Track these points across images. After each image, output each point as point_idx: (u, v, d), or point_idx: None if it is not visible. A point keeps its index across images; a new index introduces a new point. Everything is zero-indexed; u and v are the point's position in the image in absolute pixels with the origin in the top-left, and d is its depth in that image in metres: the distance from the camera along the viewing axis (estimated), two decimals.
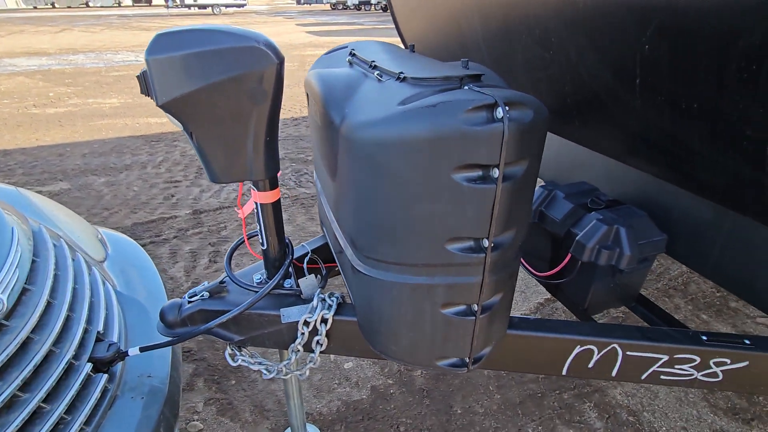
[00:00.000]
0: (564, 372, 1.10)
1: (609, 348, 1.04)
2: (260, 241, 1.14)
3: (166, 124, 5.68)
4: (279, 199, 1.10)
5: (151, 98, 0.83)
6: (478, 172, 0.71)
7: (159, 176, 4.11)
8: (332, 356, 2.04)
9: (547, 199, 1.36)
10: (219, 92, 0.83)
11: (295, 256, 1.36)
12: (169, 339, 1.10)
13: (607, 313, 2.24)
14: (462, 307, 0.87)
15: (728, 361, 1.03)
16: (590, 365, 1.08)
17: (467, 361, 0.95)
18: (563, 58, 1.26)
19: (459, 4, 1.64)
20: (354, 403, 1.80)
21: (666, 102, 1.01)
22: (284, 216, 3.31)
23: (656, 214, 1.29)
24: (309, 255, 1.36)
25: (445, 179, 0.71)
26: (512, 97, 0.69)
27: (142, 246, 2.98)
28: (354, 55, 1.14)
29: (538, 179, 2.25)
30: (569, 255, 1.24)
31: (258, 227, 1.12)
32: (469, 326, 0.88)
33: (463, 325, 0.88)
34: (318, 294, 1.11)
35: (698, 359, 1.04)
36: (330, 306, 1.10)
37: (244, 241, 1.24)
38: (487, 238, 0.78)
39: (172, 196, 3.72)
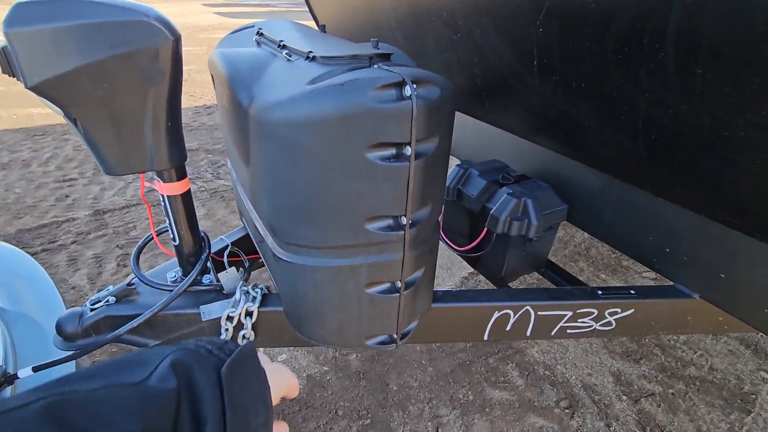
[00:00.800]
0: (486, 337, 1.18)
1: (523, 310, 1.14)
2: (171, 236, 1.06)
3: (52, 115, 4.99)
4: (189, 190, 1.02)
5: (18, 79, 0.72)
6: (392, 151, 0.72)
7: (48, 175, 3.62)
8: (265, 350, 1.98)
9: (463, 177, 1.43)
10: (104, 72, 0.75)
11: (213, 250, 1.28)
12: (69, 353, 0.99)
13: (522, 280, 2.44)
14: (386, 285, 0.89)
15: (619, 310, 1.18)
16: (508, 328, 1.17)
17: (395, 337, 0.98)
18: (470, 40, 1.31)
19: None
20: None
21: (559, 82, 1.11)
22: (203, 211, 3.11)
23: (558, 186, 1.42)
24: (229, 248, 1.29)
25: (359, 158, 0.71)
26: (419, 75, 0.71)
27: (32, 255, 2.62)
28: (262, 34, 1.09)
29: (455, 158, 2.34)
30: (485, 229, 1.32)
31: (167, 222, 1.04)
32: (394, 303, 0.90)
33: (389, 302, 0.90)
34: (240, 287, 1.07)
35: (596, 311, 1.17)
36: (254, 298, 1.06)
37: (152, 237, 1.14)
38: (405, 216, 0.79)
39: (67, 196, 3.31)
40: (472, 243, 1.38)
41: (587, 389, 1.84)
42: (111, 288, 1.07)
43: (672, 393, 1.84)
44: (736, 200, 0.93)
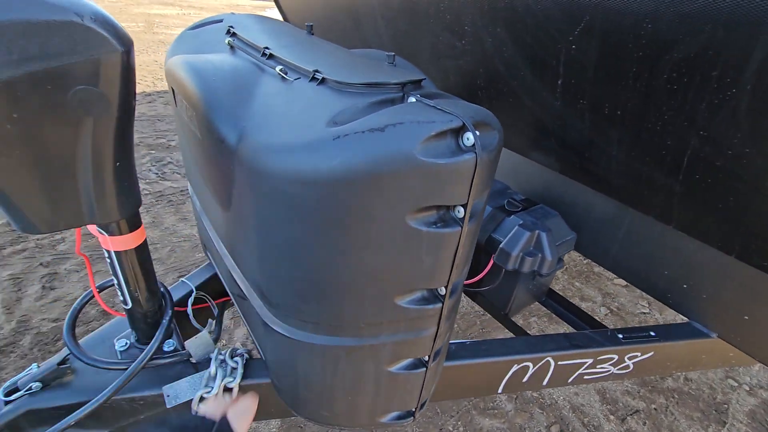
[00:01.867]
0: (500, 390, 1.05)
1: (543, 362, 1.02)
2: (121, 299, 0.81)
3: None
4: (145, 241, 0.78)
5: None
6: (438, 213, 0.55)
7: None
8: None
9: None
10: (14, 96, 0.50)
11: (175, 298, 1.04)
12: None
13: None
14: (411, 360, 0.72)
15: (639, 354, 1.09)
16: (524, 380, 1.04)
17: (414, 410, 0.82)
18: (478, 48, 1.15)
19: None
20: None
21: (587, 107, 0.98)
22: (148, 219, 2.74)
23: (564, 212, 1.31)
24: (194, 294, 1.05)
25: (397, 225, 0.52)
26: (479, 116, 0.53)
27: None
28: (235, 35, 0.85)
29: None
30: (491, 262, 1.18)
31: (115, 282, 0.79)
32: (419, 378, 0.74)
33: (413, 378, 0.73)
34: (216, 357, 0.85)
35: (617, 357, 1.08)
36: (234, 369, 0.85)
37: (93, 296, 0.88)
38: (445, 286, 0.62)
39: None
40: (477, 276, 1.23)
41: (575, 410, 1.79)
42: (34, 368, 0.81)
43: (654, 408, 1.84)
44: (744, 226, 0.86)
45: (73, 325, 0.84)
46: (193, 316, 1.02)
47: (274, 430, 1.61)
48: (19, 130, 0.53)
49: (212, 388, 0.81)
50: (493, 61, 1.13)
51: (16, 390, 0.78)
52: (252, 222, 0.61)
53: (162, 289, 0.88)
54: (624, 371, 1.12)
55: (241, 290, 0.81)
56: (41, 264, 2.31)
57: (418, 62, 1.44)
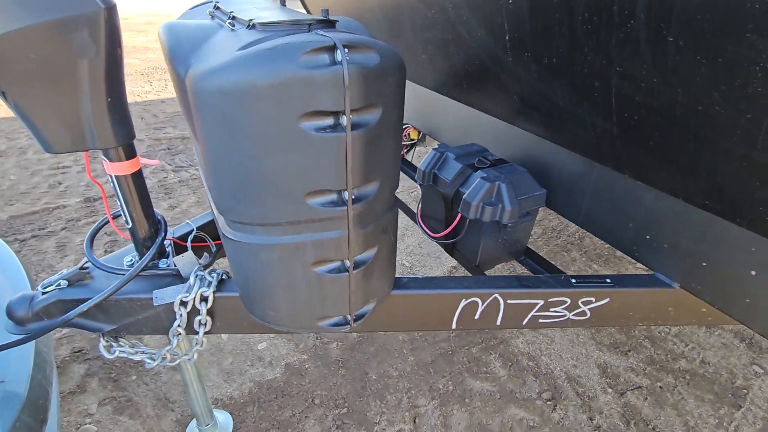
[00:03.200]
0: (453, 326, 1.13)
1: (491, 298, 1.09)
2: (124, 219, 1.03)
3: None
4: (140, 170, 0.99)
5: None
6: (328, 121, 0.68)
7: (42, 162, 3.62)
8: (245, 337, 1.96)
9: (440, 161, 1.37)
10: (29, 41, 0.71)
11: (177, 235, 1.25)
12: (19, 337, 0.96)
13: (510, 267, 2.38)
14: (334, 264, 0.84)
15: (593, 299, 1.12)
16: (476, 317, 1.12)
17: (348, 318, 0.94)
18: (444, 16, 1.25)
19: None
20: (267, 383, 1.75)
21: (531, 58, 1.04)
22: (168, 202, 3.09)
23: (537, 171, 1.36)
24: (194, 232, 1.26)
25: (293, 129, 0.66)
26: (356, 40, 0.66)
27: (22, 241, 2.62)
28: (218, 8, 1.03)
29: (435, 142, 2.27)
30: (459, 214, 1.27)
31: (119, 203, 1.00)
32: (343, 282, 0.86)
33: (338, 281, 0.86)
34: (196, 271, 1.03)
35: (569, 300, 1.12)
36: (209, 282, 1.03)
37: (108, 220, 1.11)
38: (348, 190, 0.75)
39: (59, 183, 3.30)
40: (447, 229, 1.33)
41: (571, 381, 1.79)
42: (64, 272, 1.04)
43: (660, 386, 1.78)
44: (715, 183, 0.87)
45: (92, 241, 1.07)
46: (194, 253, 1.22)
47: (278, 375, 1.79)
48: (36, 66, 0.74)
49: (190, 293, 1.00)
50: (456, 27, 1.22)
51: (50, 285, 1.01)
52: (201, 139, 0.78)
53: (159, 217, 1.09)
54: (581, 317, 1.16)
55: (215, 215, 0.99)
56: (105, 233, 2.71)
57: (405, 37, 1.56)
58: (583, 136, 1.12)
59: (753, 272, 0.94)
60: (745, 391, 1.78)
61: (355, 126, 0.69)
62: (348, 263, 0.84)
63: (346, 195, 0.75)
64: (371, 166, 0.75)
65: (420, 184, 1.44)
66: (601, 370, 1.85)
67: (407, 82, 1.92)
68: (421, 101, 1.94)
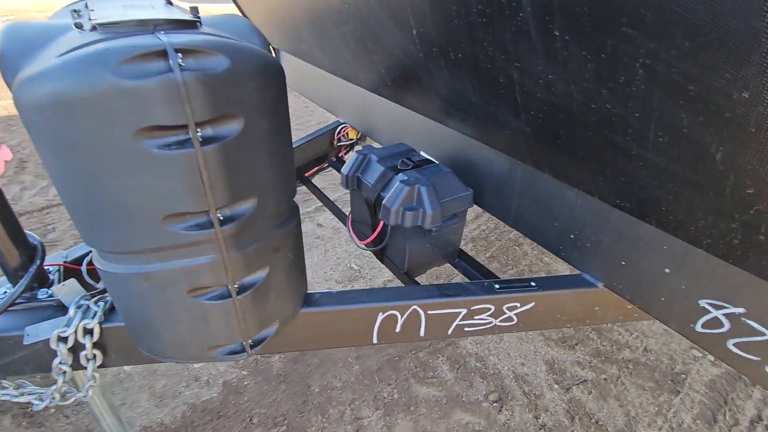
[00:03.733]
0: (374, 340, 1.07)
1: (410, 310, 1.03)
2: None
3: None
4: (1, 194, 0.87)
5: None
6: (173, 136, 0.59)
7: None
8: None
9: (363, 164, 1.30)
10: None
11: (72, 258, 1.13)
12: None
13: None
14: (215, 291, 0.76)
15: (518, 304, 1.08)
16: (397, 330, 1.06)
17: (244, 345, 0.86)
18: (356, 11, 1.17)
19: None
20: (203, 404, 1.65)
21: (440, 53, 0.98)
22: None
23: (466, 170, 1.31)
24: (89, 255, 1.14)
25: (130, 146, 0.57)
26: (196, 42, 0.57)
27: None
28: (87, 6, 0.92)
29: (373, 143, 2.21)
30: (381, 220, 1.20)
31: None
32: (229, 309, 0.78)
33: (222, 308, 0.77)
34: (77, 301, 0.92)
35: (493, 307, 1.07)
36: (95, 313, 0.92)
37: None
38: (211, 211, 0.66)
39: None
40: (371, 236, 1.26)
41: (518, 380, 1.77)
42: None
43: (604, 378, 1.79)
44: (620, 181, 0.83)
45: None
46: (91, 278, 1.11)
47: (215, 395, 1.69)
48: None
49: (69, 327, 0.89)
50: (370, 22, 1.15)
51: None
52: (41, 155, 0.68)
53: (34, 242, 0.97)
54: (508, 323, 1.12)
55: None
56: None
57: (329, 35, 1.47)
58: (501, 134, 1.07)
59: (667, 270, 0.91)
60: (684, 376, 1.81)
61: (208, 140, 0.60)
62: (231, 287, 0.75)
63: (217, 215, 0.66)
64: (241, 182, 0.67)
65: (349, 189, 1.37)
66: (548, 366, 1.84)
67: (341, 80, 1.84)
68: (356, 100, 1.87)
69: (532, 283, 1.09)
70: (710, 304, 0.87)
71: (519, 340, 1.95)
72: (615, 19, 0.56)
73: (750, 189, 0.60)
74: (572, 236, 1.10)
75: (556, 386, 1.75)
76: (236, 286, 0.76)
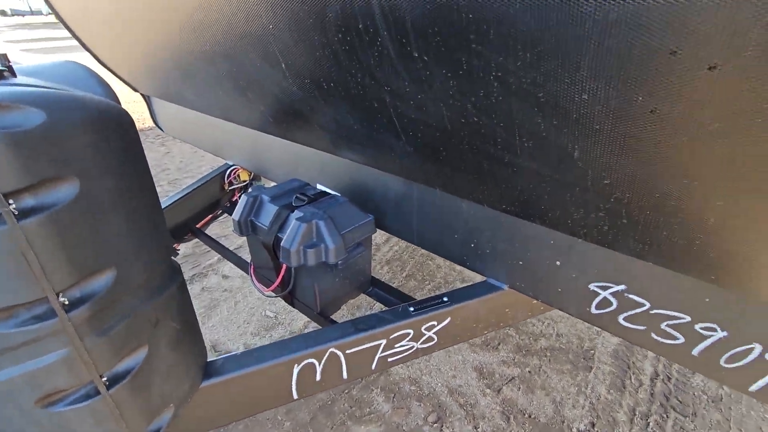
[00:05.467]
0: (295, 396, 0.97)
1: (328, 354, 0.96)
2: None
3: None
4: None
5: None
6: None
7: None
8: None
9: (254, 206, 1.21)
10: None
11: None
12: None
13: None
14: (78, 391, 0.61)
15: (435, 323, 1.08)
16: (318, 378, 0.98)
17: None
18: (221, 49, 1.11)
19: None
20: None
21: (313, 84, 0.96)
22: None
23: (364, 197, 1.29)
24: None
25: None
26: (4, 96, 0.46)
27: None
28: None
29: (267, 182, 2.12)
30: (283, 265, 1.12)
31: None
32: (99, 409, 0.63)
33: (90, 412, 0.63)
34: None
35: (412, 331, 1.05)
36: None
37: None
38: (50, 296, 0.54)
39: None
40: (274, 284, 1.17)
41: (453, 394, 1.77)
42: None
43: (529, 371, 1.87)
44: (501, 188, 0.88)
45: None
46: None
47: None
48: None
49: None
50: (239, 61, 1.09)
51: None
52: None
53: None
54: (430, 343, 1.10)
55: None
56: None
57: (201, 74, 1.38)
58: (389, 157, 1.08)
59: (558, 263, 0.98)
60: (592, 351, 1.97)
61: (28, 212, 0.48)
62: (98, 382, 0.62)
63: (60, 300, 0.54)
64: (88, 255, 0.56)
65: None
66: (478, 372, 1.88)
67: (223, 121, 1.74)
68: (242, 140, 1.77)
69: (445, 299, 1.10)
70: (598, 287, 0.95)
71: (447, 353, 1.97)
72: (463, 37, 0.59)
73: (606, 180, 0.66)
74: (472, 245, 1.14)
75: (488, 390, 1.78)
76: (105, 379, 0.63)
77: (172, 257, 0.79)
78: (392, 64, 0.73)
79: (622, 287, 0.91)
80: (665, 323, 0.88)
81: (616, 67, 0.50)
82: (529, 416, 1.67)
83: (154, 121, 2.25)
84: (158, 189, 3.65)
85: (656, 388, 1.80)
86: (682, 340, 0.87)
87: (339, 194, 1.37)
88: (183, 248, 2.65)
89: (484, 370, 1.88)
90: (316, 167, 1.48)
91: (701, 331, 0.83)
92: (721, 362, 0.83)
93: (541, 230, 0.95)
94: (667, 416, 1.68)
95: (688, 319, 0.84)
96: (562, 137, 0.63)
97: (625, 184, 0.64)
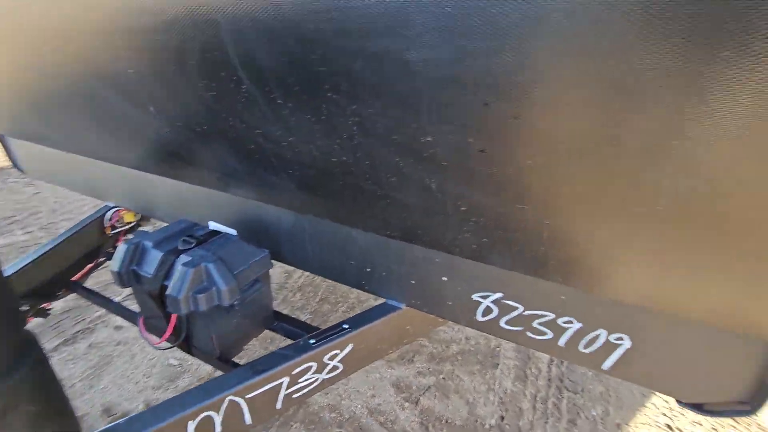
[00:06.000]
0: None
1: (226, 403, 0.92)
2: None
3: None
4: None
5: None
6: None
7: None
8: None
9: (136, 254, 1.12)
10: None
11: None
12: None
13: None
14: None
15: (338, 351, 1.09)
16: (218, 430, 0.93)
17: None
18: (83, 88, 1.03)
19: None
20: None
21: (185, 127, 0.93)
22: None
23: (257, 232, 1.27)
24: None
25: None
26: None
27: None
28: None
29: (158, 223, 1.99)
30: (172, 314, 1.05)
31: None
32: None
33: None
34: None
35: (315, 364, 1.05)
36: None
37: None
38: None
39: None
40: (164, 335, 1.09)
41: (373, 413, 1.79)
42: None
43: (443, 378, 1.97)
44: (381, 215, 0.94)
45: None
46: None
47: None
48: None
49: None
50: (107, 101, 1.02)
51: None
52: None
53: None
54: (335, 372, 1.11)
55: None
56: None
57: (72, 109, 1.25)
58: (276, 192, 1.08)
59: (444, 278, 1.06)
60: (498, 349, 2.14)
61: None
62: None
63: None
64: None
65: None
66: (395, 387, 1.92)
67: (99, 161, 1.58)
68: (123, 180, 1.63)
69: (345, 326, 1.12)
70: (480, 296, 1.05)
71: (365, 373, 1.99)
72: (319, 87, 0.63)
73: (463, 207, 0.74)
74: (368, 270, 1.18)
75: (406, 404, 1.84)
76: None
77: (25, 327, 0.71)
78: (260, 110, 0.74)
79: (499, 295, 1.01)
80: (536, 321, 0.99)
81: (446, 115, 0.57)
82: (446, 422, 1.75)
83: (14, 163, 1.97)
84: (27, 236, 3.19)
85: (552, 372, 2.00)
86: (551, 334, 0.99)
87: (233, 230, 1.33)
88: (63, 303, 2.34)
89: (402, 384, 1.93)
90: (206, 204, 1.42)
91: (563, 324, 0.96)
92: (580, 348, 0.97)
93: (425, 250, 1.02)
94: (562, 396, 1.88)
95: (553, 315, 0.96)
96: (419, 173, 0.70)
97: (477, 210, 0.73)
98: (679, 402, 0.95)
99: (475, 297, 1.05)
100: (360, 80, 0.59)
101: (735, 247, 0.61)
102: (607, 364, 0.95)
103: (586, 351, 0.96)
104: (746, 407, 0.86)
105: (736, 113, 0.43)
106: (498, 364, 2.04)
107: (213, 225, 1.37)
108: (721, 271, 0.67)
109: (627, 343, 0.91)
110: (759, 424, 1.77)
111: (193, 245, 1.13)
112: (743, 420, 1.77)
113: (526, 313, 0.99)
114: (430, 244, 0.96)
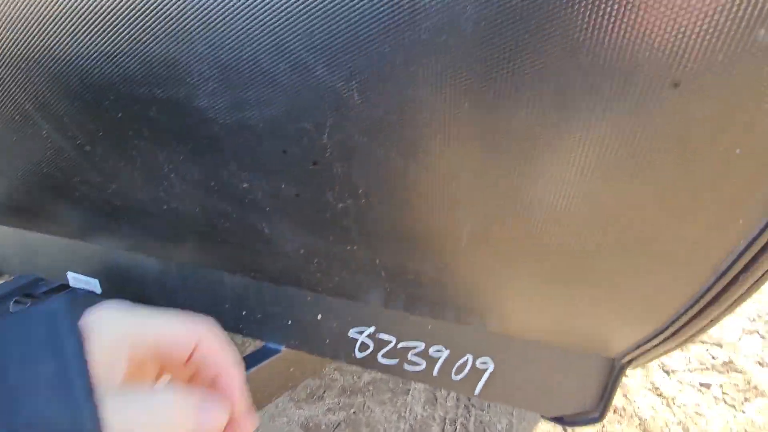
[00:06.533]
0: None
1: None
2: None
3: None
4: None
5: None
6: None
7: None
8: None
9: None
10: None
11: None
12: None
13: None
14: None
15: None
16: None
17: None
18: None
19: None
20: None
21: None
22: None
23: (122, 280, 1.15)
24: None
25: None
26: None
27: None
28: None
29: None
30: None
31: None
32: None
33: None
34: None
35: None
36: None
37: None
38: None
39: None
40: None
41: None
42: None
43: (354, 412, 1.91)
44: (244, 260, 0.90)
45: None
46: None
47: None
48: None
49: None
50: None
51: None
52: None
53: None
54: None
55: None
56: None
57: None
58: (133, 240, 0.99)
59: (319, 316, 1.03)
60: None
61: None
62: None
63: None
64: None
65: None
66: (304, 429, 1.83)
67: None
68: None
69: None
70: (356, 332, 1.03)
71: (270, 417, 1.87)
72: (123, 132, 0.58)
73: (301, 249, 0.73)
74: (244, 313, 1.12)
75: None
76: None
77: None
78: (71, 157, 0.67)
79: (372, 329, 1.00)
80: (411, 353, 1.00)
81: (254, 162, 0.55)
82: None
83: None
84: None
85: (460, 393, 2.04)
86: (424, 364, 1.00)
87: (95, 280, 1.20)
88: None
89: (311, 425, 1.85)
90: (63, 253, 1.27)
91: (433, 353, 0.97)
92: (452, 376, 0.98)
93: (295, 290, 0.99)
94: (470, 415, 1.91)
95: (423, 345, 0.97)
96: (248, 217, 0.67)
97: (314, 252, 0.71)
98: (543, 417, 1.00)
99: (352, 333, 1.03)
100: (161, 126, 0.55)
101: (573, 280, 0.65)
102: (478, 388, 0.98)
103: (458, 378, 0.98)
104: (595, 414, 0.93)
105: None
106: (409, 390, 2.03)
107: (71, 276, 1.22)
108: (564, 300, 0.72)
109: (491, 366, 0.95)
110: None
111: (28, 306, 0.98)
112: (626, 416, 1.93)
113: (400, 345, 0.99)
114: (294, 283, 0.93)
